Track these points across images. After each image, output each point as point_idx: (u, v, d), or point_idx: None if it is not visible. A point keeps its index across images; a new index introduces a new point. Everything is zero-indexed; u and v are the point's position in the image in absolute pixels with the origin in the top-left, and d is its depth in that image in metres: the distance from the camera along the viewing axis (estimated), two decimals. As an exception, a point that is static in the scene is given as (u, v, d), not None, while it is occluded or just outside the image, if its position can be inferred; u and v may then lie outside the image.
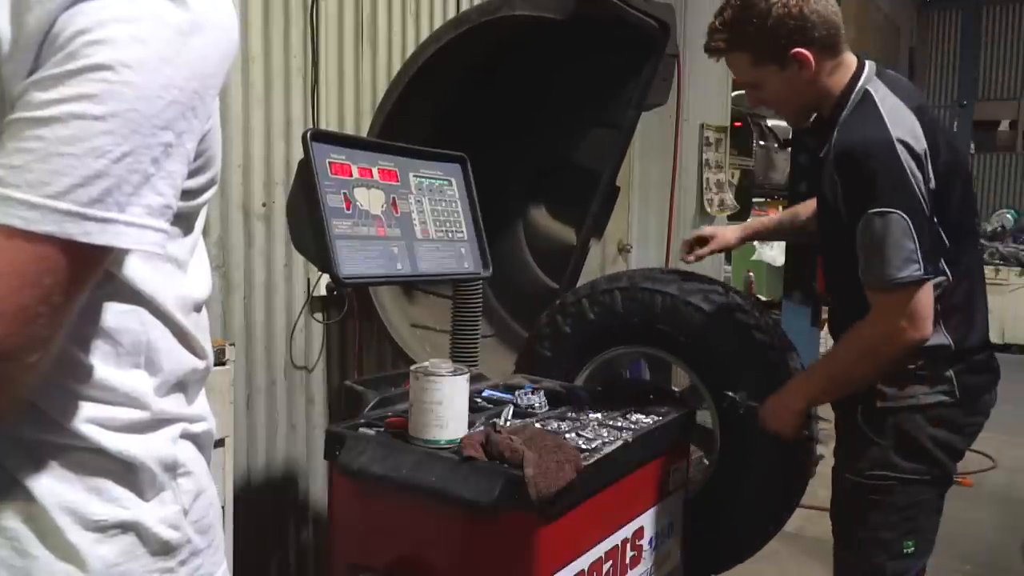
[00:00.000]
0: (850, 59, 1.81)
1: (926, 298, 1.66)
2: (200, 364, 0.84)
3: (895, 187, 1.62)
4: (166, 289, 0.78)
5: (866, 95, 1.74)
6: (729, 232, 2.27)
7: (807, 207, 2.18)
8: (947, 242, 1.72)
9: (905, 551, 1.81)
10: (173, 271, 0.80)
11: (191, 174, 0.74)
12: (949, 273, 1.74)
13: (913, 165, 1.63)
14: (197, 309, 0.84)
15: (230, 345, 2.02)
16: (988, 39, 11.68)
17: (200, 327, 0.84)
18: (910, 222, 1.61)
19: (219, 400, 1.94)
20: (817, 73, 1.77)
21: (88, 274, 0.66)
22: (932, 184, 1.67)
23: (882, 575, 1.82)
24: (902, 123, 1.67)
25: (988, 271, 8.50)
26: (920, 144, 1.65)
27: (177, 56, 0.66)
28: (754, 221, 2.36)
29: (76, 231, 0.62)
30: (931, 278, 1.65)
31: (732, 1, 1.79)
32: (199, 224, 0.84)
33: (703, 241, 2.31)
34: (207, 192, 0.81)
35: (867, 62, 1.81)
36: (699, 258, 2.32)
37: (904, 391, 1.77)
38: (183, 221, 0.80)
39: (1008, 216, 9.78)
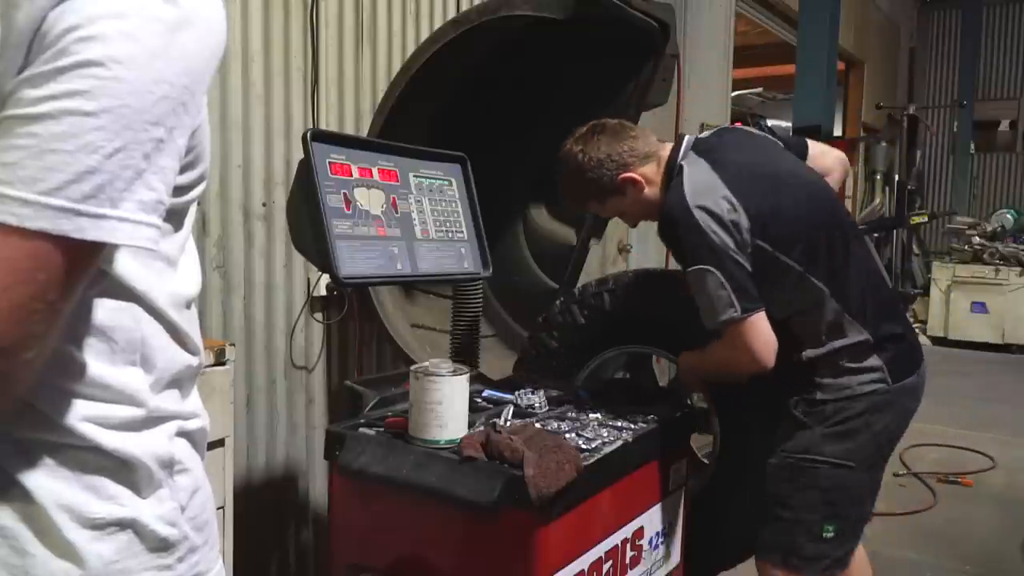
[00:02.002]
0: (664, 147, 1.99)
1: (754, 331, 1.80)
2: (193, 361, 0.84)
3: (699, 247, 1.81)
4: (158, 286, 0.78)
5: (679, 172, 1.91)
6: None
7: None
8: (799, 266, 1.84)
9: (824, 535, 1.88)
10: (164, 268, 0.80)
11: (181, 170, 0.73)
12: (826, 287, 1.85)
13: (715, 226, 1.79)
14: (188, 306, 0.84)
15: (230, 345, 2.01)
16: (988, 39, 11.64)
17: (192, 324, 0.84)
18: (720, 273, 1.78)
19: (219, 400, 1.93)
20: (650, 180, 1.97)
21: (82, 270, 0.66)
22: (746, 234, 1.80)
23: (800, 555, 1.88)
24: (704, 192, 1.83)
25: (988, 271, 8.48)
26: (721, 208, 1.80)
27: (167, 52, 0.66)
28: None
29: (69, 227, 0.61)
30: (751, 314, 1.79)
31: (557, 169, 2.02)
32: (188, 221, 0.84)
33: None
34: (197, 188, 0.81)
35: (686, 138, 1.99)
36: None
37: (839, 380, 1.88)
38: (174, 217, 0.80)
39: (1008, 216, 9.71)
